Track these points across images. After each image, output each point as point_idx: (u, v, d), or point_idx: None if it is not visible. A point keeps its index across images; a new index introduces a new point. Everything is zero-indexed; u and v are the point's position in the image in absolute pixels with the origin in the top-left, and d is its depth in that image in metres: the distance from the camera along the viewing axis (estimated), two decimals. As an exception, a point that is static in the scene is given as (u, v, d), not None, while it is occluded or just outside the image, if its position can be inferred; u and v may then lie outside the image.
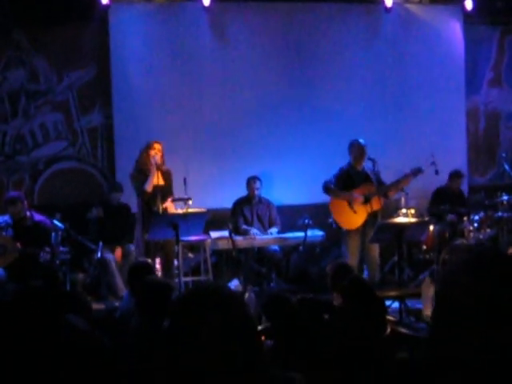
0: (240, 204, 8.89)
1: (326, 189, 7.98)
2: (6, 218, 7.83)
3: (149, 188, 7.67)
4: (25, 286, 3.01)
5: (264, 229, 8.76)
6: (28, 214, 7.84)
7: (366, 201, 7.82)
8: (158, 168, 7.75)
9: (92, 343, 3.62)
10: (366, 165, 7.94)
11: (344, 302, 4.86)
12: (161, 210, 7.63)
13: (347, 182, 7.96)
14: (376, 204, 7.79)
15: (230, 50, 9.79)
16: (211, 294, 1.80)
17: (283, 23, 9.89)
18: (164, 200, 7.77)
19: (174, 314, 1.79)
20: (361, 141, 8.01)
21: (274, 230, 8.75)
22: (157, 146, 7.82)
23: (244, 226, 8.66)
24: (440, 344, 1.66)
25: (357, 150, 7.99)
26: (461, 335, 1.62)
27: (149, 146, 7.83)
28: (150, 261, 7.05)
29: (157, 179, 7.70)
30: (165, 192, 7.82)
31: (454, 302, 1.66)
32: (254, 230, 8.56)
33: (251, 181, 8.85)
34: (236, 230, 8.50)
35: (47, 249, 7.53)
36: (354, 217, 7.84)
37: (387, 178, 8.05)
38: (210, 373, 1.69)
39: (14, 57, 9.44)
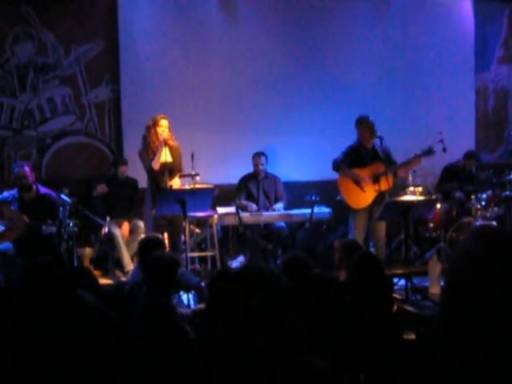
0: (245, 180, 8.89)
1: (336, 167, 7.92)
2: (13, 192, 7.86)
3: (156, 166, 7.63)
4: (32, 261, 3.02)
5: (270, 204, 8.77)
6: (34, 186, 7.88)
7: (375, 180, 7.77)
8: (166, 144, 7.73)
9: (101, 317, 3.65)
10: (376, 142, 7.87)
11: (350, 277, 4.85)
12: (167, 187, 7.64)
13: (356, 160, 7.86)
14: (384, 184, 7.70)
15: (238, 25, 9.74)
16: (259, 271, 1.91)
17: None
18: (171, 176, 7.75)
19: (224, 288, 1.89)
20: (370, 118, 7.91)
21: (279, 205, 8.74)
22: (164, 123, 7.73)
23: (243, 201, 8.64)
24: (450, 323, 1.67)
25: (366, 128, 7.85)
26: (471, 315, 1.62)
27: (156, 123, 7.75)
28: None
29: (164, 156, 7.69)
30: (172, 169, 7.79)
31: (465, 283, 1.66)
32: (253, 206, 8.57)
33: (256, 157, 8.85)
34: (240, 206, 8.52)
35: (49, 221, 7.55)
36: (362, 196, 7.80)
37: (395, 155, 8.02)
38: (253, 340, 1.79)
39: (21, 31, 9.40)
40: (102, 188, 8.43)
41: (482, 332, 1.60)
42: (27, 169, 7.90)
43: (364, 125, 7.87)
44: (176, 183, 7.80)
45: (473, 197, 8.82)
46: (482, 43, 10.37)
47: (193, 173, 7.57)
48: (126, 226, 8.34)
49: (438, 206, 8.76)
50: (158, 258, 4.68)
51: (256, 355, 1.77)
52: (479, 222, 8.38)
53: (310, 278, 4.60)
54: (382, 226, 7.91)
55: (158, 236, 6.59)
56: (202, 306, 5.50)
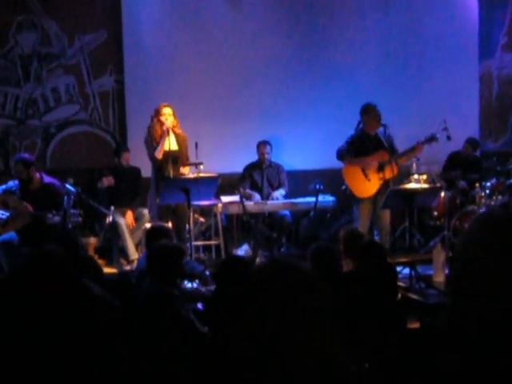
0: (249, 169, 8.89)
1: (340, 156, 7.88)
2: (17, 181, 7.84)
3: (159, 155, 7.62)
4: (39, 250, 3.02)
5: (274, 193, 8.78)
6: (38, 175, 7.82)
7: (380, 168, 7.72)
8: (173, 131, 7.72)
9: (105, 306, 3.66)
10: (379, 130, 7.82)
11: (356, 265, 4.86)
12: (171, 175, 7.63)
13: (360, 148, 7.78)
14: (389, 172, 7.64)
15: (242, 14, 9.72)
16: (291, 269, 1.84)
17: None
18: (175, 165, 7.73)
19: (255, 285, 1.83)
20: (376, 106, 7.77)
21: (280, 192, 8.72)
22: (166, 111, 7.70)
23: (248, 190, 8.64)
24: (460, 311, 1.66)
25: (373, 116, 7.74)
26: (482, 303, 1.62)
27: (158, 113, 7.73)
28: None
29: (168, 144, 7.67)
30: (177, 157, 7.77)
31: (474, 271, 1.66)
32: (257, 196, 8.57)
33: (261, 145, 8.84)
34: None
35: (54, 211, 7.52)
36: (367, 185, 7.75)
37: (399, 143, 7.99)
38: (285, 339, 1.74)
39: (25, 20, 9.39)
40: (108, 180, 8.43)
41: (494, 320, 1.60)
42: (20, 166, 7.73)
43: (371, 113, 7.76)
44: (183, 172, 7.78)
45: (477, 185, 8.79)
46: (486, 30, 10.31)
47: (197, 161, 7.56)
48: (129, 214, 8.35)
49: (442, 194, 8.73)
50: (162, 247, 4.67)
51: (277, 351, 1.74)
52: (483, 211, 8.35)
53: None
54: (386, 215, 7.89)
55: (164, 225, 6.58)
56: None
